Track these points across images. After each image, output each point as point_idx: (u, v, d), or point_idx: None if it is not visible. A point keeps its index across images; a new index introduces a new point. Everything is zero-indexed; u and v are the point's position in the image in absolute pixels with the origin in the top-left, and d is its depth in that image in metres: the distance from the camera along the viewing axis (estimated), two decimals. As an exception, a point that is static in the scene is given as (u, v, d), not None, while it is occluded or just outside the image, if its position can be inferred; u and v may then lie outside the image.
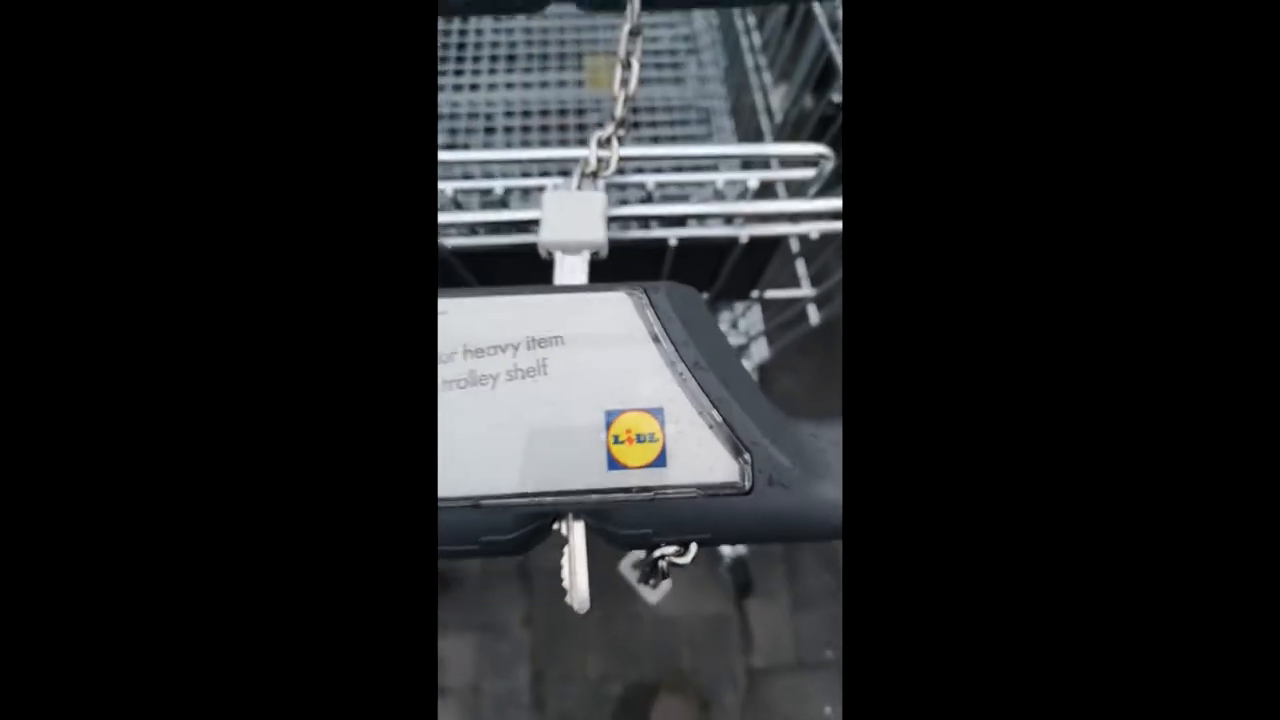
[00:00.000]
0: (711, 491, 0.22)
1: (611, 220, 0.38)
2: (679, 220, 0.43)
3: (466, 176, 0.44)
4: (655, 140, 0.80)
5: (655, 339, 0.23)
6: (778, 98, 0.68)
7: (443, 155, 0.41)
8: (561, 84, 0.84)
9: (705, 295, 0.54)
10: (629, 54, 0.37)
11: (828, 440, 0.23)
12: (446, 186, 0.42)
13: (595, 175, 0.38)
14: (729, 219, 0.44)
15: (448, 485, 0.22)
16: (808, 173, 0.43)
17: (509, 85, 0.84)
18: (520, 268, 0.41)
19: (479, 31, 0.89)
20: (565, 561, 0.22)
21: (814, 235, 0.44)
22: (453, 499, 0.22)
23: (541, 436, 0.22)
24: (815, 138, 0.60)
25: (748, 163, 0.52)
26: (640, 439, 0.22)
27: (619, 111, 0.37)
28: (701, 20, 0.90)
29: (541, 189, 0.39)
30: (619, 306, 0.24)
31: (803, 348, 0.79)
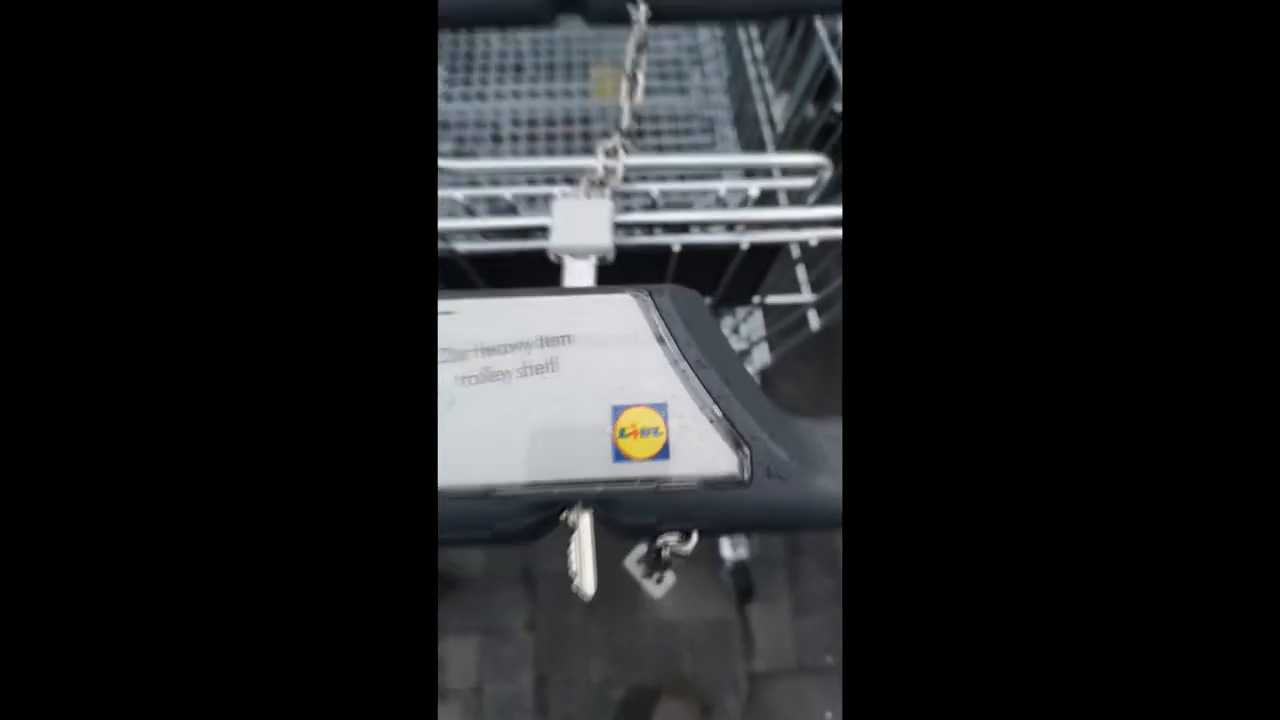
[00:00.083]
0: (712, 483, 0.23)
1: (617, 226, 0.39)
2: (683, 227, 0.44)
3: (474, 184, 0.45)
4: (660, 149, 0.81)
5: (659, 339, 0.24)
6: (780, 108, 0.69)
7: (453, 164, 0.42)
8: (568, 94, 0.86)
9: (708, 300, 0.55)
10: (635, 67, 0.38)
11: (824, 436, 0.24)
12: (457, 193, 0.43)
13: (602, 184, 0.39)
14: (731, 226, 0.46)
15: (461, 475, 0.23)
16: (807, 181, 0.45)
17: (516, 95, 0.86)
18: (532, 271, 0.42)
19: (487, 42, 0.90)
20: (573, 550, 0.23)
21: (813, 242, 0.45)
22: (466, 488, 0.23)
23: (551, 430, 0.23)
24: (817, 146, 0.61)
25: (749, 171, 0.54)
26: (645, 433, 0.23)
27: (625, 122, 0.38)
28: (705, 32, 0.91)
29: (549, 197, 0.40)
30: (625, 308, 0.25)
31: (804, 354, 0.80)
